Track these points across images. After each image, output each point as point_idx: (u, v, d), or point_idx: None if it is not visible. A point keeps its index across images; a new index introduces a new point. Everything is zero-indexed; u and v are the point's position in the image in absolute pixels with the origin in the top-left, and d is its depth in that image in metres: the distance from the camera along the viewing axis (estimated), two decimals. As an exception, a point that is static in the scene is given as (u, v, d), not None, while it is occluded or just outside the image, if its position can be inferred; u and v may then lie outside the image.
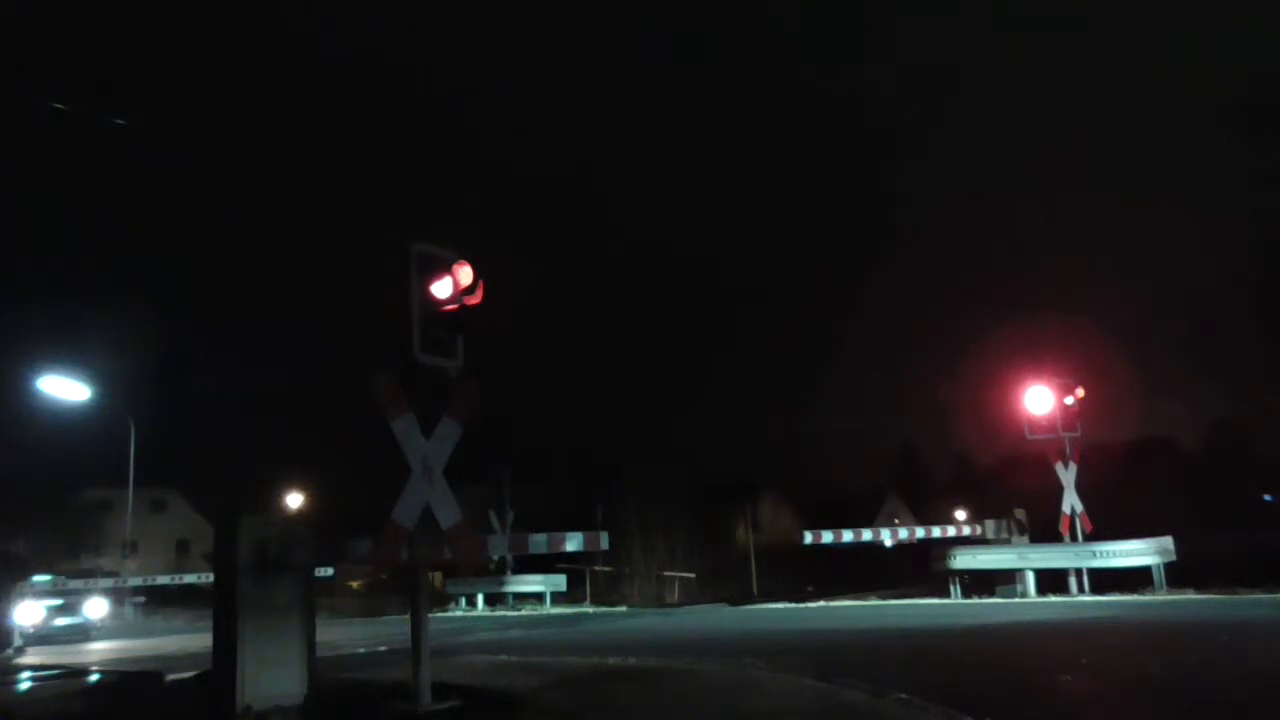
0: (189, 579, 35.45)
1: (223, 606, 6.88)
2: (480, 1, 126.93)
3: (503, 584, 26.91)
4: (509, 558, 26.18)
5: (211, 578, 7.89)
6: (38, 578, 29.74)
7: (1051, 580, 16.57)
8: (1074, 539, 16.95)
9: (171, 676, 9.50)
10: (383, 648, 13.19)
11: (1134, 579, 15.77)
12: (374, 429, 6.64)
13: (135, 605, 35.00)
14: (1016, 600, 16.00)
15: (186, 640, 16.36)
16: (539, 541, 10.13)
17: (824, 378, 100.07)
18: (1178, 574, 15.72)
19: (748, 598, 22.66)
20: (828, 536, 18.79)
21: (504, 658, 10.30)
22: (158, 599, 37.05)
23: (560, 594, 26.64)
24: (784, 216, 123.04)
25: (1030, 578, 16.49)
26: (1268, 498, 32.38)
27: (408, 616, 6.63)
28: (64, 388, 29.55)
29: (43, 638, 20.78)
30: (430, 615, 7.00)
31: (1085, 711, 6.21)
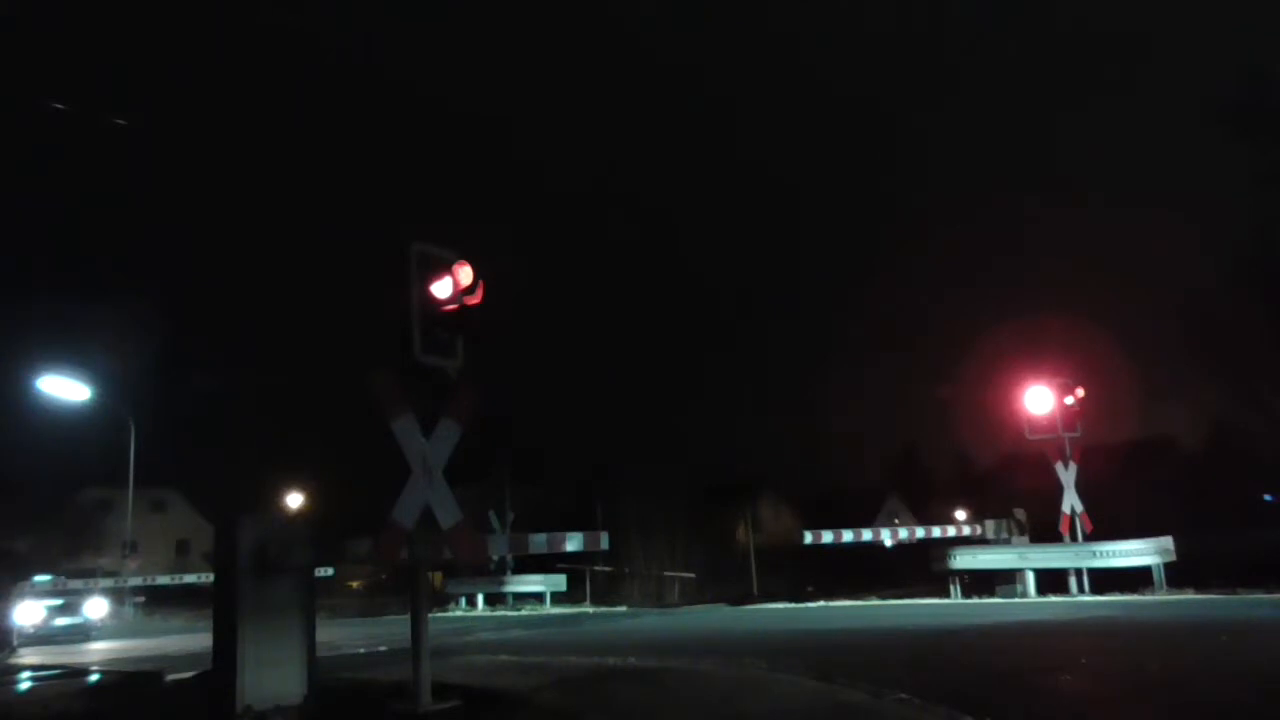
0: (189, 579, 35.47)
1: (223, 606, 6.88)
2: (482, 6, 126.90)
3: (503, 584, 26.90)
4: (509, 558, 26.18)
5: (211, 578, 7.89)
6: (38, 578, 29.76)
7: (1051, 580, 16.57)
8: (1074, 539, 16.95)
9: (171, 676, 9.49)
10: (383, 648, 13.18)
11: (1134, 579, 15.76)
12: (374, 429, 6.64)
13: (135, 605, 34.98)
14: (1016, 600, 16.00)
15: (186, 640, 16.35)
16: (539, 541, 10.13)
17: (824, 378, 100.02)
18: (1178, 574, 15.72)
19: (748, 598, 22.61)
20: (828, 536, 18.78)
21: (504, 658, 10.29)
22: (158, 599, 37.03)
23: (560, 594, 26.63)
24: (785, 216, 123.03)
25: (1030, 578, 16.49)
26: (1268, 498, 32.29)
27: (408, 616, 6.63)
28: (64, 388, 29.61)
29: (43, 638, 20.76)
30: (430, 615, 7.00)
31: (1085, 711, 6.20)
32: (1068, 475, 17.29)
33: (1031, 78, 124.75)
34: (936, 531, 19.01)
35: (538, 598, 26.40)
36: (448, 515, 6.58)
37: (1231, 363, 28.00)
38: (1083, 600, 15.45)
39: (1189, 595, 14.81)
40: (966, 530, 19.04)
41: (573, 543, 11.24)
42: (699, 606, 22.96)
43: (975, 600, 16.63)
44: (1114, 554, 15.83)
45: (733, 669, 8.09)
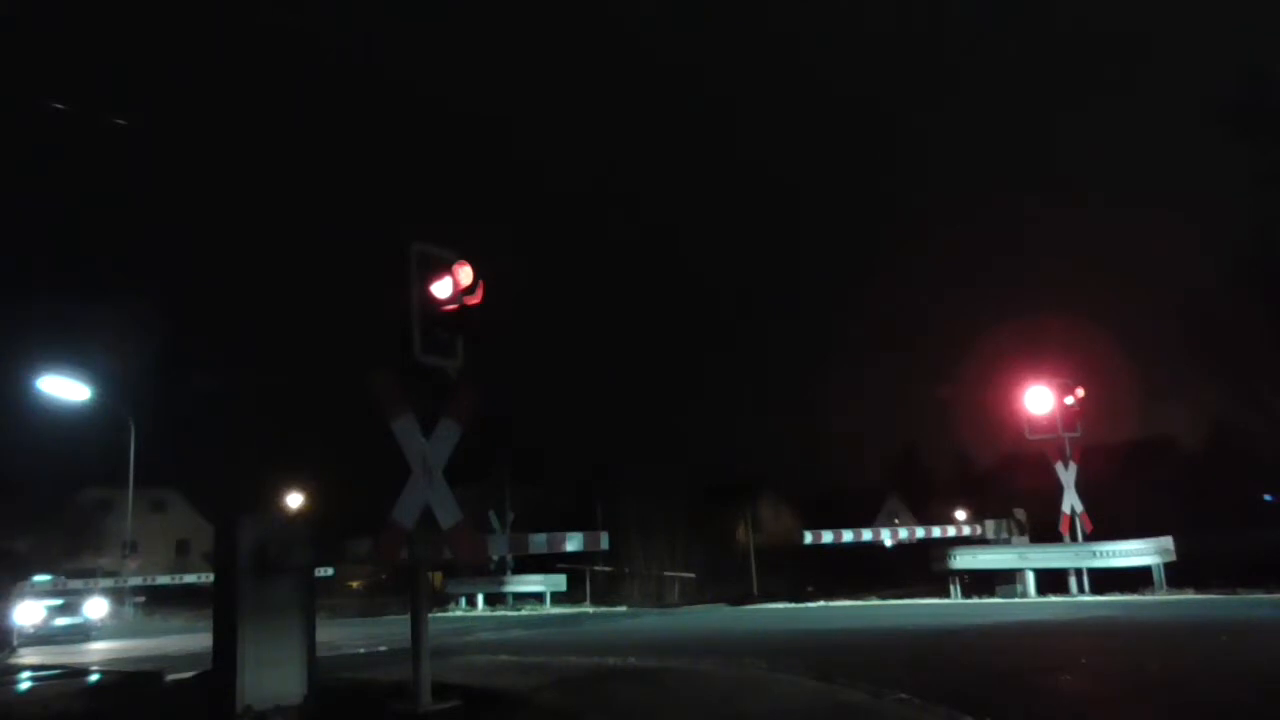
0: (189, 579, 35.48)
1: (223, 606, 6.88)
2: (482, 6, 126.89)
3: (503, 584, 26.89)
4: (509, 558, 26.17)
5: (211, 578, 7.88)
6: (38, 578, 29.75)
7: (1051, 580, 16.57)
8: (1074, 539, 16.95)
9: (171, 676, 9.49)
10: (383, 648, 13.19)
11: (1134, 579, 15.76)
12: (374, 429, 6.64)
13: (135, 605, 34.98)
14: (1016, 600, 16.00)
15: (186, 640, 16.35)
16: (539, 541, 10.13)
17: (824, 378, 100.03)
18: (1178, 574, 15.72)
19: (748, 598, 22.60)
20: (828, 536, 18.78)
21: (504, 658, 10.30)
22: (158, 599, 37.03)
23: (560, 594, 26.62)
24: (785, 216, 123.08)
25: (1030, 578, 16.49)
26: (1268, 498, 32.28)
27: (408, 616, 6.63)
28: (64, 388, 29.61)
29: (43, 638, 20.76)
30: (430, 615, 6.99)
31: (1085, 711, 6.20)
32: (1068, 475, 17.29)
33: (1031, 78, 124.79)
34: (936, 531, 19.01)
35: (538, 598, 26.39)
36: (448, 515, 6.58)
37: (1231, 363, 27.99)
38: (1083, 600, 15.45)
39: (1189, 595, 14.80)
40: (966, 530, 19.04)
41: (573, 543, 11.24)
42: (699, 606, 22.96)
43: (975, 600, 16.63)
44: (1114, 554, 15.83)
45: (733, 669, 8.09)
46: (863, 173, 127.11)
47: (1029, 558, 16.83)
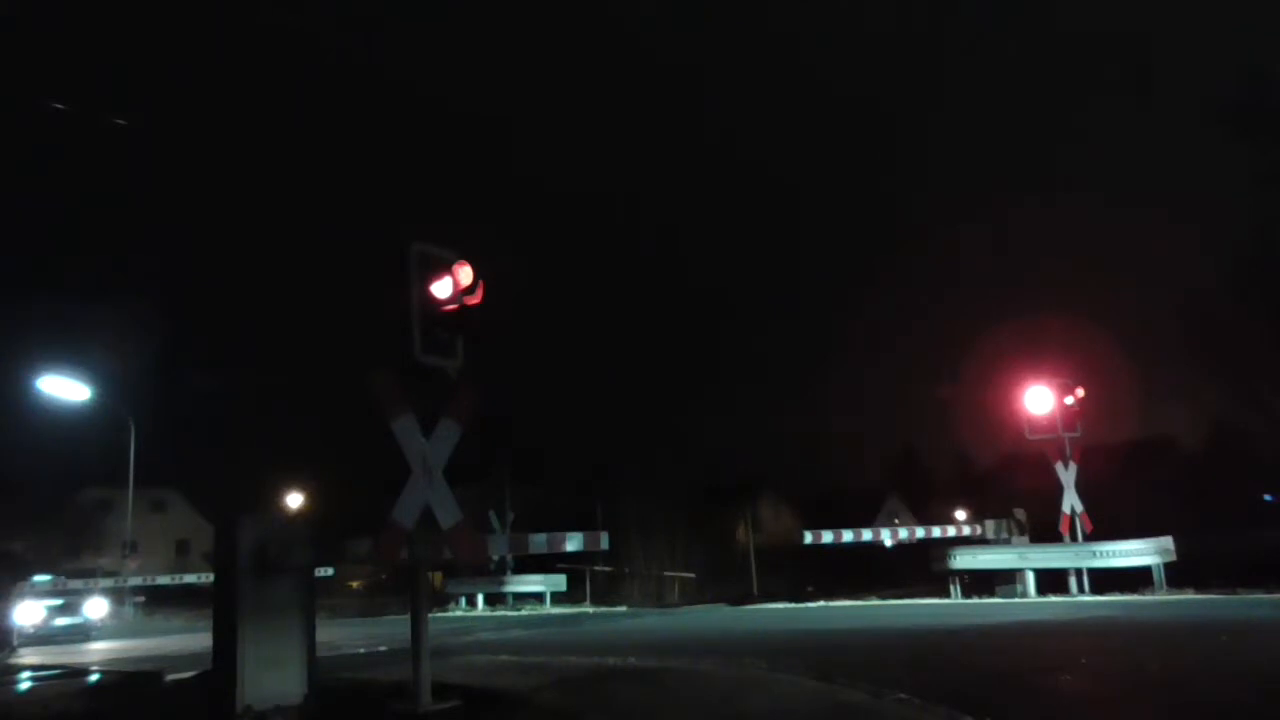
0: (189, 579, 35.49)
1: (223, 606, 6.88)
2: (482, 6, 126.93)
3: (503, 584, 26.90)
4: (509, 558, 26.18)
5: (211, 578, 7.89)
6: (38, 578, 29.76)
7: (1051, 580, 16.58)
8: (1074, 539, 16.96)
9: (171, 676, 9.49)
10: (383, 648, 13.19)
11: (1134, 579, 15.77)
12: (374, 429, 6.64)
13: (135, 605, 34.98)
14: (1016, 600, 16.00)
15: (186, 640, 16.35)
16: (539, 541, 10.16)
17: (824, 378, 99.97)
18: (1178, 574, 15.73)
19: (748, 598, 22.62)
20: (828, 536, 18.79)
21: (504, 658, 10.30)
22: (158, 599, 37.03)
23: (560, 594, 26.63)
24: (785, 216, 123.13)
25: (1030, 578, 16.50)
26: (1268, 498, 32.30)
27: (408, 616, 6.64)
28: (64, 388, 29.63)
29: (43, 638, 20.75)
30: (430, 615, 6.99)
31: (1085, 711, 6.20)
32: (1068, 475, 17.29)
33: (1031, 78, 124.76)
34: (936, 531, 19.02)
35: (538, 598, 26.39)
36: (448, 515, 6.58)
37: (1231, 363, 28.01)
38: (1083, 600, 15.45)
39: (1189, 595, 14.81)
40: (966, 530, 19.05)
41: (573, 543, 11.27)
42: (699, 606, 22.96)
43: (975, 600, 16.63)
44: (1114, 554, 15.84)
45: (733, 669, 8.09)
46: (863, 173, 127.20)
47: (1029, 558, 16.83)
